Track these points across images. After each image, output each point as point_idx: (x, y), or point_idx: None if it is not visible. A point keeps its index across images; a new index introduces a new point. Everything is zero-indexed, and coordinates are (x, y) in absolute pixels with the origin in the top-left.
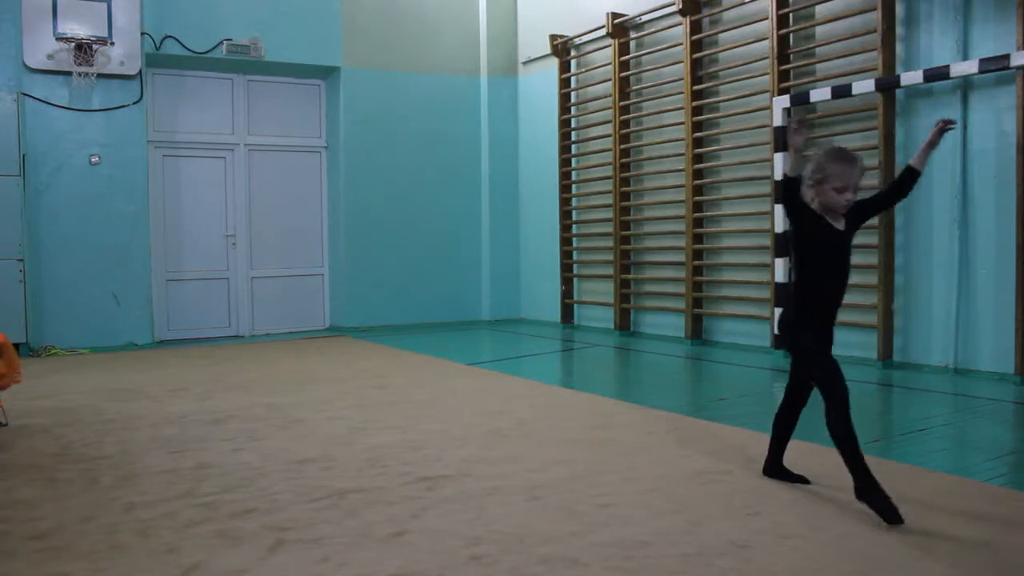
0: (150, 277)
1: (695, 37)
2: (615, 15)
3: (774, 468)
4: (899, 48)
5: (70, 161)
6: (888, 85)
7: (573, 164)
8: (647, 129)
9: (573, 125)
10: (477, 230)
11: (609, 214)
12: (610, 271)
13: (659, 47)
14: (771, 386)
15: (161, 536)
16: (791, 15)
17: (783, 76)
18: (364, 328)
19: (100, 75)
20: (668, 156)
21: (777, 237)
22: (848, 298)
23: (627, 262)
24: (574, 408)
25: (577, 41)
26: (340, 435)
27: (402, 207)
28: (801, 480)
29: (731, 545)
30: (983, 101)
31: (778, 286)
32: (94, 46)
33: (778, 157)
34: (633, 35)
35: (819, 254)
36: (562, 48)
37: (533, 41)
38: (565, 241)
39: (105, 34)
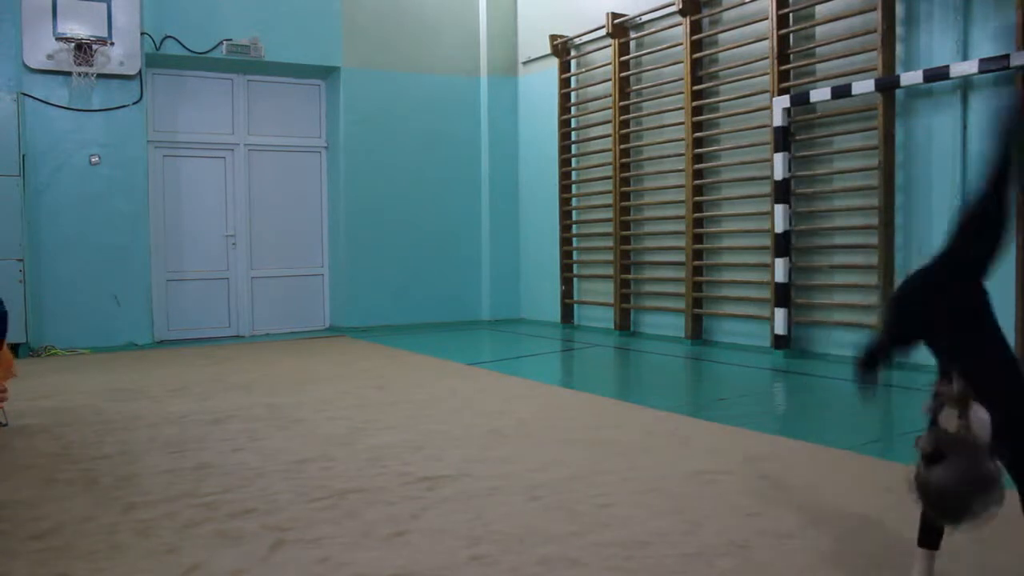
0: (150, 277)
1: (695, 37)
2: (615, 15)
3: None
4: (899, 48)
5: (70, 161)
6: (888, 85)
7: (573, 164)
8: (647, 129)
9: (573, 125)
10: (477, 230)
11: (609, 214)
12: (610, 271)
13: (659, 47)
14: (771, 386)
15: (161, 536)
16: (791, 15)
17: (783, 76)
18: (364, 328)
19: (100, 75)
20: (668, 156)
21: (777, 237)
22: (848, 298)
23: (627, 262)
24: (574, 408)
25: (577, 41)
26: (340, 435)
27: (402, 207)
28: None
29: (731, 545)
30: (983, 101)
31: (778, 286)
32: (94, 46)
33: (778, 157)
34: (633, 35)
35: None
36: (562, 48)
37: (533, 41)
38: (565, 241)
39: (105, 34)
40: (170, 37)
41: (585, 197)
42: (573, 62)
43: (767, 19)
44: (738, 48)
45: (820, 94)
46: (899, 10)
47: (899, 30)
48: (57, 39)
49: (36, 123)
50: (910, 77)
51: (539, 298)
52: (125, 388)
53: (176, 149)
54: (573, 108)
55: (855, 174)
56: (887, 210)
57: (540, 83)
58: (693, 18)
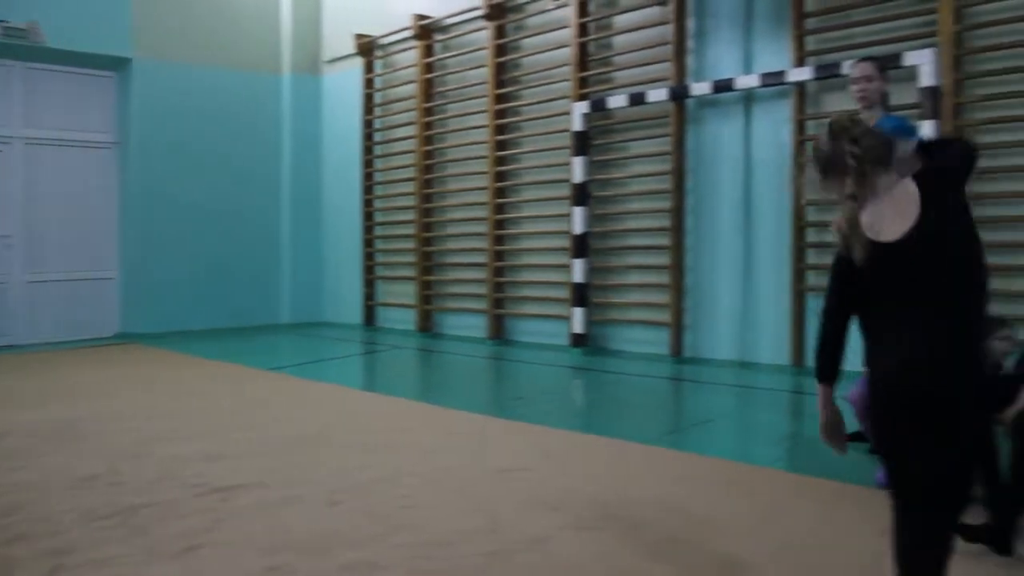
0: None
1: (499, 42)
2: (421, 16)
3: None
4: (690, 60)
5: None
6: (680, 94)
7: (377, 165)
8: (451, 131)
9: (377, 126)
10: (278, 232)
11: (412, 215)
12: (412, 272)
13: (464, 50)
14: (569, 383)
15: None
16: (591, 24)
17: (583, 83)
18: (159, 334)
19: None
20: (471, 158)
21: (576, 238)
22: (643, 297)
23: (429, 263)
24: (376, 412)
25: (383, 41)
26: (129, 448)
27: (199, 208)
28: None
29: (531, 540)
30: (764, 113)
31: (576, 286)
32: None
33: (577, 161)
34: (439, 37)
35: None
36: (367, 48)
37: (338, 39)
38: (367, 243)
39: None
40: None
41: (388, 199)
42: (379, 62)
43: (569, 27)
44: (541, 54)
45: (617, 101)
46: (691, 25)
47: (690, 43)
48: None
49: None
50: (700, 88)
51: (342, 301)
52: None
53: None
54: (378, 109)
55: (649, 178)
56: (678, 212)
57: (344, 82)
58: (498, 23)
